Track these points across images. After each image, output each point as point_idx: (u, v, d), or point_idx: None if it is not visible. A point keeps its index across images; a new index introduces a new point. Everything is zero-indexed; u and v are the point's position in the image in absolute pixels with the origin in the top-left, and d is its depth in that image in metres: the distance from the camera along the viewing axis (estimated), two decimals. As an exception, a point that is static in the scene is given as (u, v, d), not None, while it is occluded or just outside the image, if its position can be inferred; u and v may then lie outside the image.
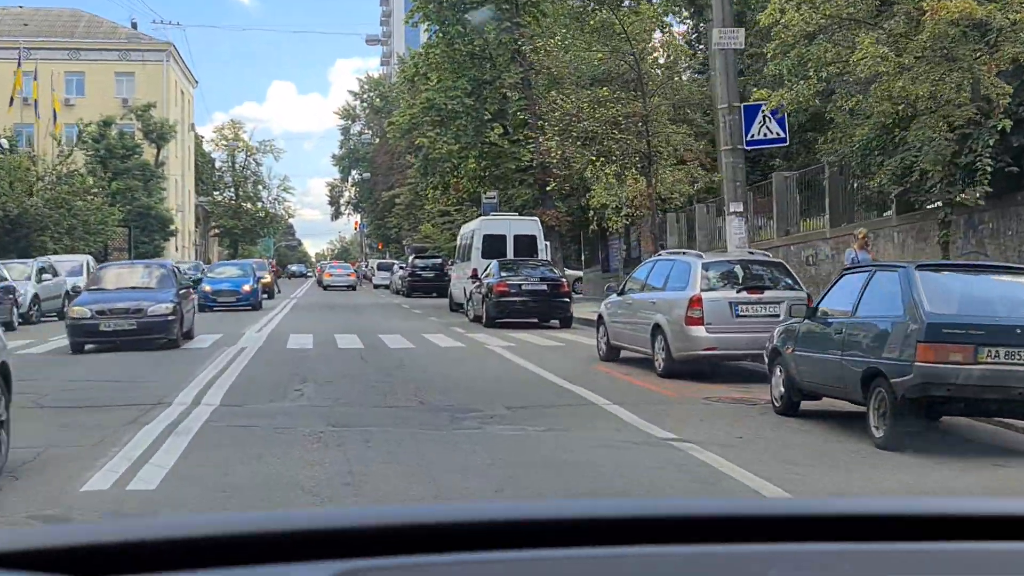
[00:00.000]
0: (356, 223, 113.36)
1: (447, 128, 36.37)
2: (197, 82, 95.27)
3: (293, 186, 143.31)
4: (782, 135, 19.43)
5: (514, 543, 1.32)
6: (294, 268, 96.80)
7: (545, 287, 25.51)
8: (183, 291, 20.78)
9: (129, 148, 74.12)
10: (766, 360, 11.84)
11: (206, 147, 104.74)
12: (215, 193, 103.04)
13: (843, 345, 9.95)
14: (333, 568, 1.23)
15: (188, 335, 20.94)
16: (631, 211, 30.00)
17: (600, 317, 17.56)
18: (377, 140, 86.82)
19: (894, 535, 1.39)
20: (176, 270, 21.81)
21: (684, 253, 16.37)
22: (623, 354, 17.11)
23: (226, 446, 9.55)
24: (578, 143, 29.60)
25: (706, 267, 14.67)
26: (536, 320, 26.15)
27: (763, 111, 19.20)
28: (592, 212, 31.33)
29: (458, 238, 34.84)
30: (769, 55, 17.59)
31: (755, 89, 19.43)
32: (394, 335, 23.10)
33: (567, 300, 25.62)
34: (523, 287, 25.43)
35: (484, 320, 25.98)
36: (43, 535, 1.49)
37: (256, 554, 1.28)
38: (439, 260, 51.82)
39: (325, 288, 62.14)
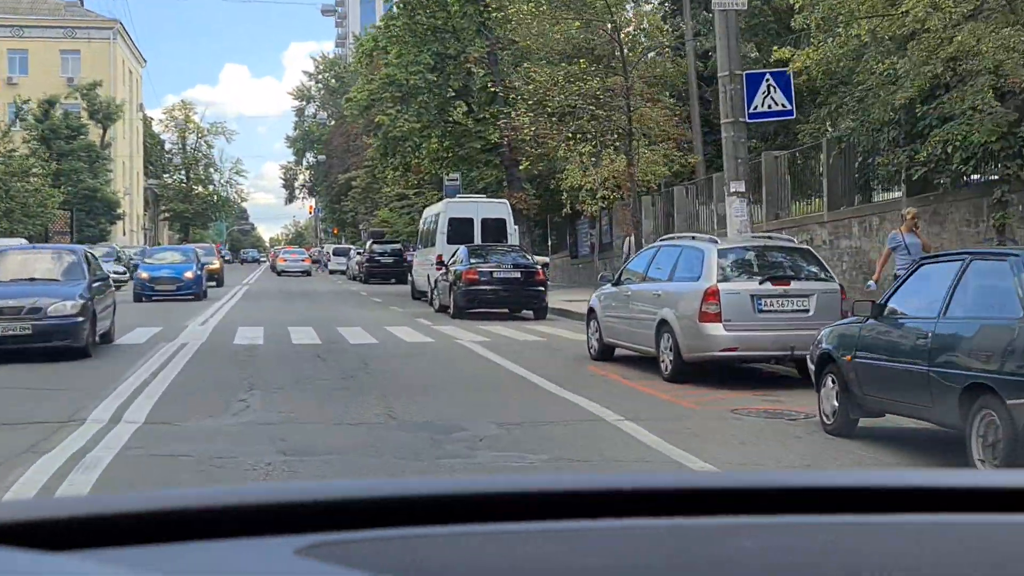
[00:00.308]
0: (311, 207, 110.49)
1: (408, 105, 34.02)
2: (145, 61, 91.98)
3: (246, 169, 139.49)
4: (788, 107, 17.30)
5: (482, 517, 1.31)
6: (247, 253, 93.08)
7: (518, 275, 23.32)
8: (98, 284, 16.48)
9: (74, 128, 70.98)
10: (811, 367, 9.72)
11: (156, 129, 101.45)
12: (165, 176, 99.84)
13: (931, 354, 7.83)
14: (299, 542, 1.20)
15: (106, 338, 16.98)
16: (607, 193, 27.86)
17: (591, 310, 15.37)
18: (333, 122, 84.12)
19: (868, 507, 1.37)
20: (90, 257, 17.20)
21: (693, 237, 14.12)
22: (617, 352, 14.98)
23: (142, 487, 7.29)
24: (553, 119, 27.40)
25: (722, 253, 12.52)
26: (507, 311, 24.01)
27: (767, 80, 17.12)
28: (565, 195, 29.16)
29: (420, 222, 32.57)
30: (797, 5, 15.44)
31: (776, 48, 17.24)
32: (354, 328, 20.84)
33: (542, 289, 23.46)
34: (494, 275, 23.22)
35: (452, 310, 23.76)
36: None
37: (217, 528, 1.24)
38: (398, 245, 49.52)
39: (279, 274, 59.57)
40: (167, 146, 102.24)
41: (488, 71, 34.37)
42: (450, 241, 28.03)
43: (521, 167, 34.16)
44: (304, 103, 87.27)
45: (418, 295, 31.95)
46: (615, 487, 1.42)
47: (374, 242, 49.54)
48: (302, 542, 1.20)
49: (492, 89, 34.52)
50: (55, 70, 77.39)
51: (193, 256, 31.17)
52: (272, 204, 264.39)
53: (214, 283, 34.68)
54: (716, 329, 12.07)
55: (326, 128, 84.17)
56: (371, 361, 15.04)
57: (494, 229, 28.25)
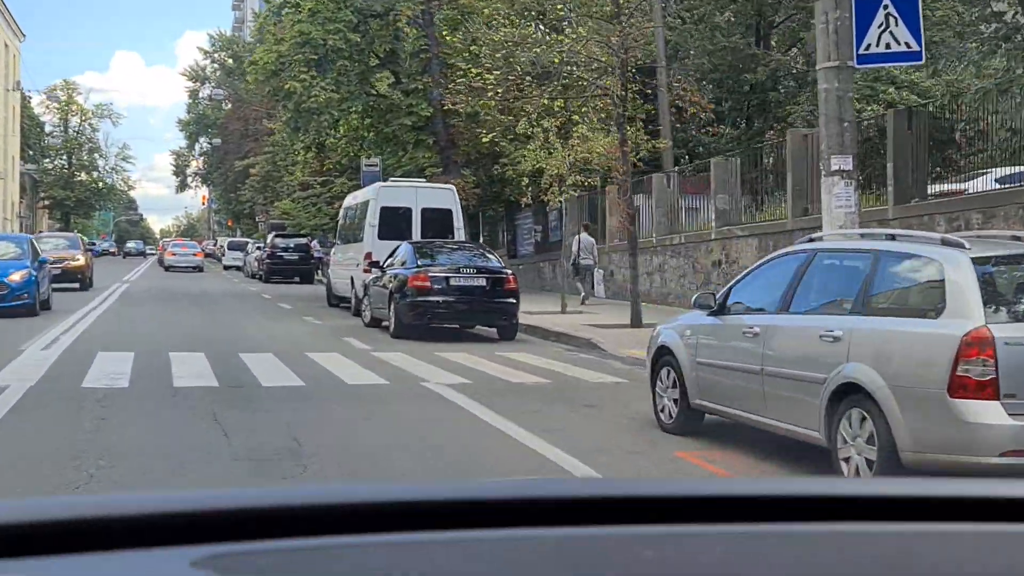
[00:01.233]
0: (204, 197, 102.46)
1: (325, 72, 27.63)
2: (24, 35, 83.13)
3: (133, 155, 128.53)
4: (915, 47, 11.63)
5: (389, 526, 1.27)
6: (131, 245, 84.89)
7: (483, 282, 17.26)
8: None
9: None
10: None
11: (37, 111, 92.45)
12: (45, 161, 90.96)
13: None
14: (197, 553, 1.15)
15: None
16: (578, 179, 21.99)
17: (663, 351, 9.30)
18: (229, 105, 76.72)
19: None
20: None
21: (906, 238, 7.83)
22: (708, 417, 9.08)
23: None
24: (526, 80, 21.50)
25: (983, 267, 6.64)
26: (457, 326, 17.97)
27: (885, 7, 11.41)
28: (525, 181, 23.20)
29: (341, 211, 26.23)
30: None
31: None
32: (263, 354, 14.59)
33: (513, 301, 17.41)
34: (451, 282, 17.13)
35: (393, 328, 17.58)
36: None
37: (110, 539, 1.17)
38: (304, 239, 42.96)
39: (167, 269, 52.38)
40: (48, 128, 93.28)
41: (422, 33, 28.21)
42: (382, 236, 21.88)
43: (484, 139, 28.16)
44: (199, 84, 79.77)
45: (336, 301, 25.68)
46: (510, 496, 1.42)
47: (276, 235, 42.88)
48: (198, 553, 1.15)
49: (425, 55, 28.36)
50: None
51: (28, 248, 20.67)
52: (164, 195, 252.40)
53: (76, 284, 27.92)
54: (988, 412, 6.22)
55: (221, 111, 76.64)
56: (303, 431, 8.85)
57: (437, 222, 22.16)
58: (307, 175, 58.66)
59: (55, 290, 25.84)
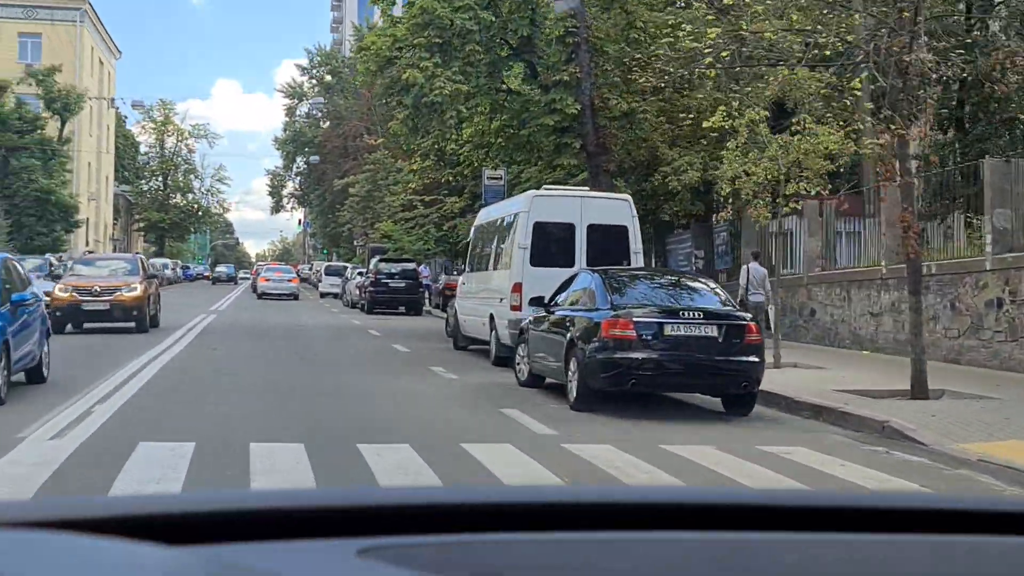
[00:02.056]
0: (300, 219, 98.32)
1: (452, 57, 22.20)
2: (120, 53, 79.99)
3: (229, 177, 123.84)
4: None
5: (535, 526, 1.33)
6: (221, 270, 79.54)
7: (713, 331, 11.44)
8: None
9: (27, 120, 58.98)
10: None
11: (133, 130, 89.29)
12: (140, 182, 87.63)
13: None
14: (361, 544, 1.24)
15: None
16: (801, 187, 16.17)
17: None
18: (327, 124, 72.24)
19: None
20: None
21: None
22: None
23: None
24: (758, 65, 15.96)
25: None
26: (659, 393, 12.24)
27: None
28: (725, 189, 17.47)
29: (473, 231, 20.67)
30: None
31: None
32: (397, 445, 9.11)
33: (756, 360, 11.55)
34: (667, 330, 11.35)
35: (576, 394, 11.81)
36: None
37: (278, 530, 1.27)
38: (412, 265, 37.65)
39: (260, 296, 47.56)
40: (143, 149, 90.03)
41: (569, 12, 22.68)
42: (536, 262, 16.32)
43: (615, 152, 22.57)
44: (296, 101, 75.57)
45: (465, 343, 20.18)
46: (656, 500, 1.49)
47: (382, 259, 37.59)
48: (364, 544, 1.23)
49: (572, 40, 22.82)
50: (11, 55, 65.30)
51: (16, 276, 12.37)
52: (261, 220, 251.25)
53: (132, 324, 21.23)
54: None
55: (319, 130, 72.12)
56: None
57: (609, 244, 16.52)
58: (411, 193, 53.69)
59: (100, 331, 20.91)
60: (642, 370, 11.29)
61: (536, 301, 13.77)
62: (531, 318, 14.08)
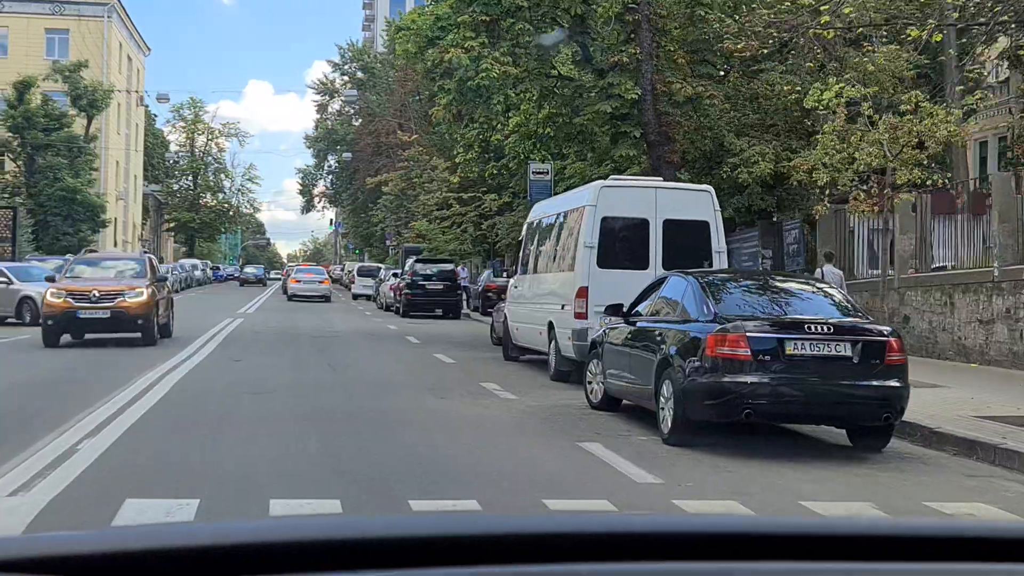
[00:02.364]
0: (332, 219, 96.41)
1: (500, 36, 20.00)
2: (149, 49, 78.34)
3: (260, 176, 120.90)
4: None
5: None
6: (249, 271, 75.38)
7: (846, 349, 9.16)
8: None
9: (54, 117, 57.33)
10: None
11: (163, 129, 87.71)
12: (169, 181, 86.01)
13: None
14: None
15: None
16: (919, 175, 13.88)
17: None
18: (358, 121, 70.24)
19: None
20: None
21: None
22: None
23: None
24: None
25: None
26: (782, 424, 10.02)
27: None
28: (822, 178, 15.21)
29: (525, 228, 18.39)
30: None
31: None
32: (464, 502, 6.89)
33: (898, 386, 9.27)
34: (789, 348, 9.09)
35: (672, 424, 9.52)
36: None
37: (391, 558, 1.27)
38: (451, 266, 35.51)
39: (290, 298, 45.57)
40: (172, 148, 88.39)
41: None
42: (604, 263, 14.11)
43: (679, 142, 20.34)
44: (327, 98, 73.60)
45: (517, 353, 18.02)
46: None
47: (418, 260, 35.45)
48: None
49: (632, 17, 20.59)
50: (38, 52, 63.74)
51: None
52: (292, 220, 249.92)
53: (138, 335, 18.38)
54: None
55: (351, 127, 70.08)
56: None
57: (688, 242, 14.31)
58: (447, 191, 51.67)
59: (101, 342, 18.50)
60: (758, 398, 9.04)
61: (614, 309, 11.54)
62: (606, 329, 11.86)
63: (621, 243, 14.32)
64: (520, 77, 20.81)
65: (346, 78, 70.70)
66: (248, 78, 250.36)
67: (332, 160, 75.72)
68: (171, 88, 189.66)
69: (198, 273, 69.37)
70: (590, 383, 12.13)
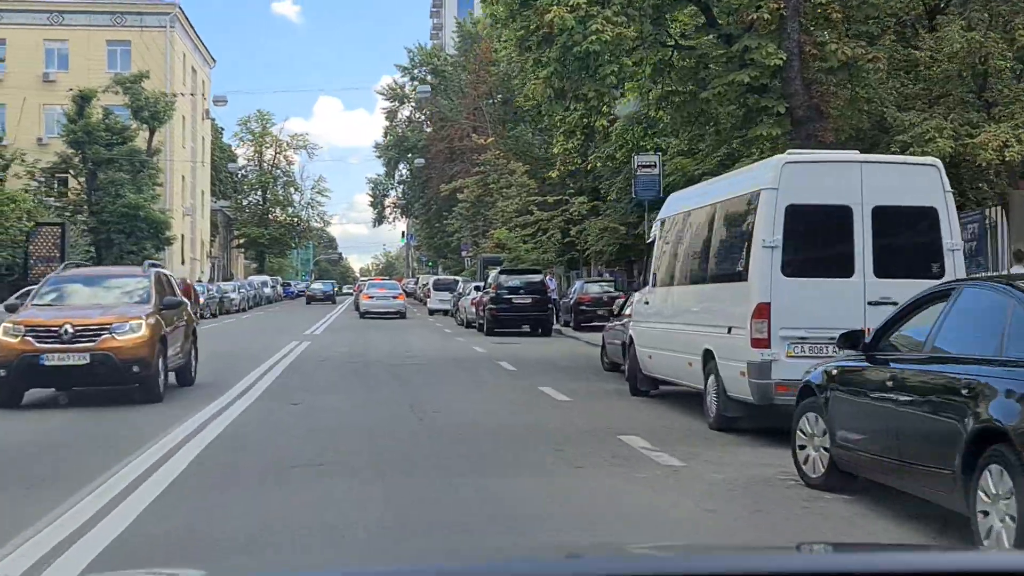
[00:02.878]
0: (404, 231, 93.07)
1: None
2: (215, 61, 75.77)
3: (330, 188, 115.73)
4: None
5: None
6: (316, 287, 68.32)
7: None
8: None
9: (115, 131, 54.61)
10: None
11: (229, 144, 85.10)
12: (237, 196, 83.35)
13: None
14: None
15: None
16: None
17: None
18: (430, 127, 66.76)
19: None
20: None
21: None
22: None
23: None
24: None
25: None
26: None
27: None
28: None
29: (657, 225, 14.25)
30: None
31: None
32: None
33: None
34: None
35: (1018, 533, 5.53)
36: None
37: None
38: (539, 277, 31.58)
39: (363, 315, 41.99)
40: (240, 162, 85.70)
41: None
42: (789, 269, 10.08)
43: (832, 117, 16.28)
44: (397, 104, 70.17)
45: (647, 386, 14.00)
46: None
47: (503, 271, 31.57)
48: None
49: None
50: (100, 65, 61.27)
51: None
52: (363, 235, 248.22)
53: (136, 381, 12.75)
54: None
55: (423, 134, 66.59)
56: None
57: (908, 236, 10.23)
58: (527, 196, 47.84)
59: (92, 397, 13.04)
60: None
61: (849, 340, 7.47)
62: (833, 368, 7.79)
63: (814, 241, 10.25)
64: (634, 44, 16.80)
65: (416, 83, 67.27)
66: (318, 95, 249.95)
67: (403, 169, 72.32)
68: (241, 106, 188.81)
69: (268, 290, 66.33)
70: (803, 447, 8.04)
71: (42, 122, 61.05)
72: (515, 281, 30.54)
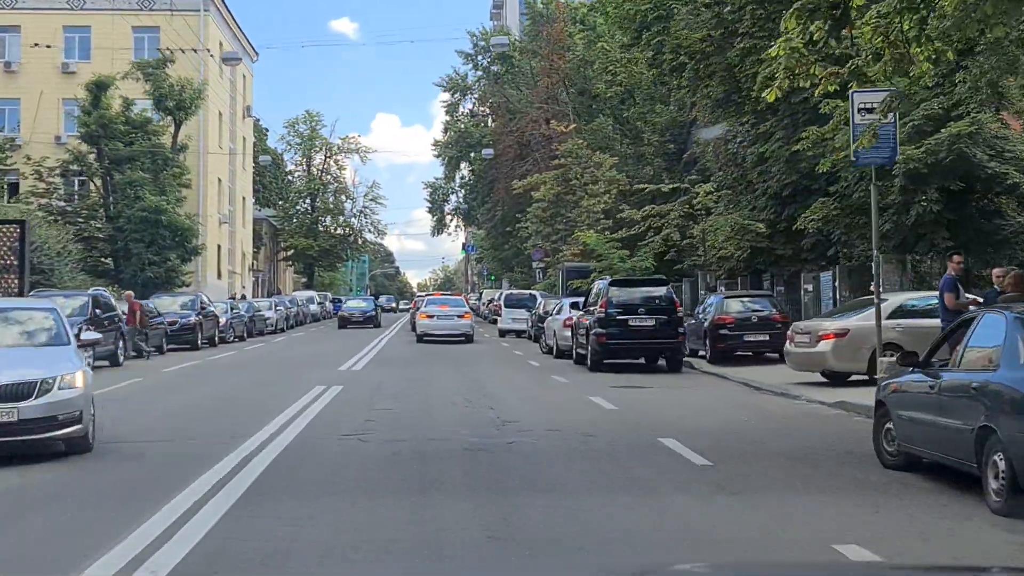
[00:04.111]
0: (464, 242, 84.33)
1: None
2: (257, 54, 67.78)
3: (384, 195, 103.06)
4: None
5: None
6: (352, 306, 50.03)
7: None
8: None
9: (136, 125, 46.73)
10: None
11: (273, 147, 77.13)
12: (281, 203, 75.27)
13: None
14: None
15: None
16: None
17: None
18: (494, 121, 58.05)
19: None
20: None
21: None
22: None
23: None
24: None
25: None
26: None
27: None
28: None
29: None
30: None
31: None
32: None
33: None
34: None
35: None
36: None
37: None
38: (663, 290, 22.53)
39: (420, 338, 33.35)
40: (289, 167, 77.69)
41: None
42: None
43: None
44: (458, 96, 61.47)
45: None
46: None
47: (615, 283, 22.49)
48: None
49: None
50: (125, 54, 53.08)
51: None
52: (422, 251, 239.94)
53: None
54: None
55: (487, 128, 57.68)
56: None
57: None
58: (616, 191, 38.99)
59: None
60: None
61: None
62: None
63: None
64: None
65: (480, 72, 58.70)
66: (376, 111, 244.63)
67: (464, 169, 63.65)
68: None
69: (314, 307, 57.90)
70: None
71: (61, 118, 53.33)
72: (632, 295, 21.62)
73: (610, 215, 39.93)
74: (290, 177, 76.95)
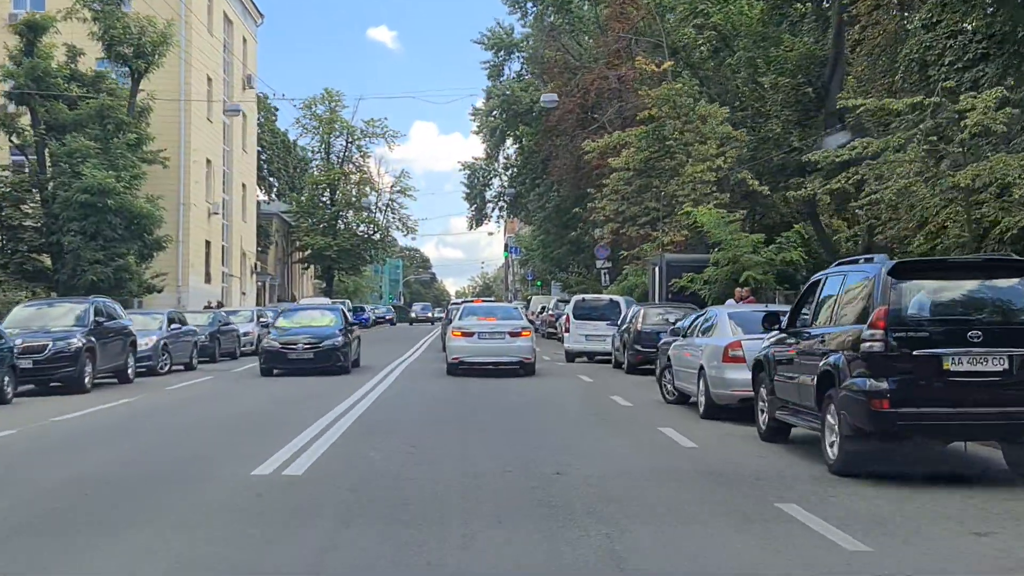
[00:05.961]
0: (506, 243, 71.86)
1: None
2: (262, 16, 55.88)
3: (414, 187, 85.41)
4: None
5: None
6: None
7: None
8: None
9: (85, 82, 35.22)
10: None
11: (282, 129, 65.19)
12: (293, 194, 63.34)
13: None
14: None
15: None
16: None
17: None
18: (547, 85, 45.56)
19: None
20: None
21: None
22: None
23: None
24: None
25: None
26: None
27: None
28: None
29: None
30: None
31: None
32: None
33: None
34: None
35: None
36: None
37: None
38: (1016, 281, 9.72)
39: (451, 369, 20.95)
40: (301, 153, 65.77)
41: None
42: None
43: None
44: (502, 56, 49.07)
45: None
46: None
47: (901, 269, 9.83)
48: None
49: None
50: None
51: None
52: (461, 259, 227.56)
53: None
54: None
55: (535, 92, 44.82)
56: None
57: None
58: (727, 164, 26.69)
59: None
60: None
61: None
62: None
63: None
64: None
65: (529, 20, 46.44)
66: (414, 120, 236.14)
67: (510, 147, 51.36)
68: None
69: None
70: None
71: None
72: (954, 297, 9.15)
73: (723, 186, 27.61)
74: (311, 165, 64.90)
